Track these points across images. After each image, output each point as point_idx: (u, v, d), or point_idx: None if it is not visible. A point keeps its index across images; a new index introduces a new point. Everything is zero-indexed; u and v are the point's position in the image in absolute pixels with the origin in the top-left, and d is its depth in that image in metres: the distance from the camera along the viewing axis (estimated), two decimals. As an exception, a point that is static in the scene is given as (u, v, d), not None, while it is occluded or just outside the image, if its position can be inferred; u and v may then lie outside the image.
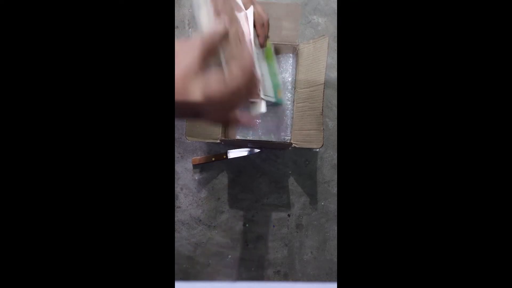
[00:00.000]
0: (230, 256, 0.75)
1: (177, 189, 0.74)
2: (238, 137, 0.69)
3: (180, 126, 0.75)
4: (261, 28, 0.47)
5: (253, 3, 0.46)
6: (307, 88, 0.65)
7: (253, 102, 0.45)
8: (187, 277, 0.75)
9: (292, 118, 0.71)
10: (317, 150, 0.74)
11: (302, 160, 0.75)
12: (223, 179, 0.74)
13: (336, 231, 0.76)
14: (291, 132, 0.71)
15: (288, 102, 0.70)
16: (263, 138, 0.70)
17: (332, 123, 0.75)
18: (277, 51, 0.71)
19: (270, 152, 0.74)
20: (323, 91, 0.59)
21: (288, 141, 0.71)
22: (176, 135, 0.75)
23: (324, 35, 0.62)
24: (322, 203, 0.76)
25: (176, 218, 0.74)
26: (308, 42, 0.66)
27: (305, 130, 0.64)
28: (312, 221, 0.76)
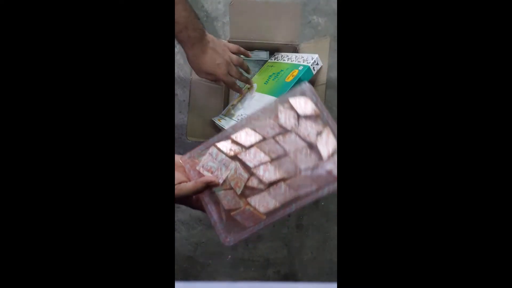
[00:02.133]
0: (230, 256, 0.75)
1: (177, 189, 0.74)
2: None
3: (180, 126, 0.75)
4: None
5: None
6: (307, 88, 0.65)
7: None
8: (187, 277, 0.75)
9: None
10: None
11: (302, 160, 0.75)
12: (223, 179, 0.74)
13: (336, 231, 0.75)
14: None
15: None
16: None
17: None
18: (278, 51, 0.71)
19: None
20: (325, 91, 0.59)
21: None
22: (176, 135, 0.75)
23: (325, 35, 0.62)
24: (322, 203, 0.76)
25: (176, 218, 0.74)
26: (309, 42, 0.66)
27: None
28: (312, 221, 0.75)
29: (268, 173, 0.40)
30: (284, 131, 0.41)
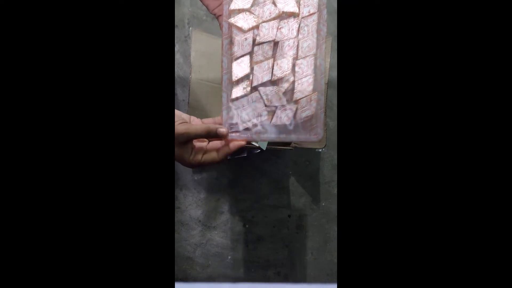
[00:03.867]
0: (230, 257, 0.75)
1: (177, 189, 0.74)
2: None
3: (180, 126, 0.74)
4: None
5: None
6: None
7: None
8: (186, 278, 0.75)
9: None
10: (320, 150, 0.74)
11: (303, 160, 0.75)
12: (223, 180, 0.74)
13: (336, 232, 0.75)
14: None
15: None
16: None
17: (333, 123, 0.75)
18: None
19: (270, 152, 0.74)
20: (326, 91, 0.59)
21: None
22: (176, 136, 0.75)
23: (327, 35, 0.62)
24: (323, 204, 0.76)
25: (175, 219, 0.74)
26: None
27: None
28: (313, 222, 0.75)
29: (282, 67, 0.42)
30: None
